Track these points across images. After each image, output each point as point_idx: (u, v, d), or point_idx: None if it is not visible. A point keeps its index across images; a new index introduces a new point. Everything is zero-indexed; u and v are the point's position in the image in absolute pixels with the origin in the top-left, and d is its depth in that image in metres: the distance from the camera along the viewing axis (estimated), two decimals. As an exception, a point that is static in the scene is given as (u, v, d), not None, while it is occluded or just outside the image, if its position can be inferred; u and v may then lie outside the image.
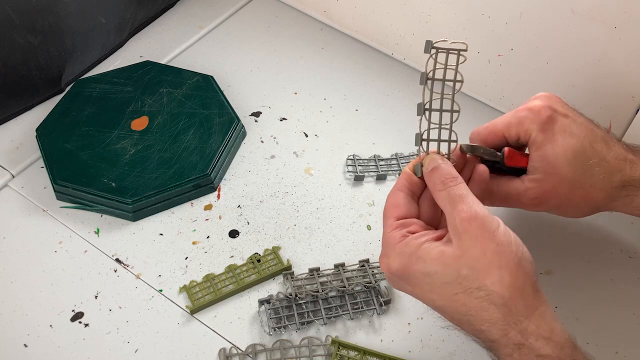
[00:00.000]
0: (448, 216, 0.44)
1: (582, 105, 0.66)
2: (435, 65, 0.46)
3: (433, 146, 0.49)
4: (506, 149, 0.52)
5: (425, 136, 0.48)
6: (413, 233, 0.45)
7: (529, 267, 0.43)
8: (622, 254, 0.61)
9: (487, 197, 0.51)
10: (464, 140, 0.55)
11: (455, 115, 0.48)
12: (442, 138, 0.48)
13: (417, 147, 0.49)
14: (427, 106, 0.48)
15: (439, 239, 0.44)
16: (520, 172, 0.53)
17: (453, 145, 0.48)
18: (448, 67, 0.47)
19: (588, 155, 0.50)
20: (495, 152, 0.52)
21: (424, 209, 0.49)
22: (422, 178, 0.48)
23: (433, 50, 0.46)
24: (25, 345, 0.55)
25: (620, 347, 0.55)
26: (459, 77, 0.47)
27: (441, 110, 0.48)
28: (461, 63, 0.47)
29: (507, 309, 0.42)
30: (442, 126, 0.48)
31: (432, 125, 0.48)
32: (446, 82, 0.47)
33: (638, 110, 0.63)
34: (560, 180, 0.50)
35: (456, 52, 0.46)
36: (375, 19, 0.76)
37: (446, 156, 0.48)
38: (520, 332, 0.42)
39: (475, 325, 0.43)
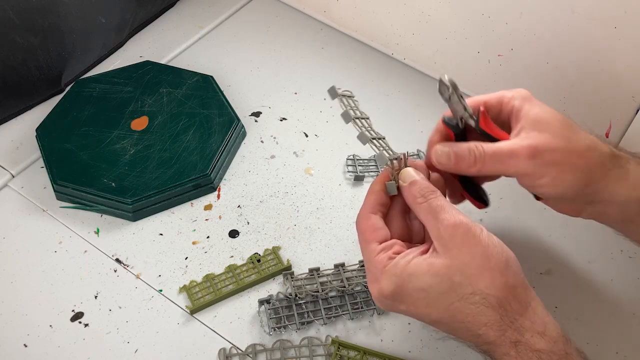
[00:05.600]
0: (431, 227, 0.44)
1: (582, 105, 0.66)
2: (347, 104, 0.50)
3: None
4: (482, 108, 0.50)
5: (387, 154, 0.49)
6: (397, 254, 0.45)
7: (516, 265, 0.44)
8: (622, 254, 0.61)
9: (478, 161, 0.48)
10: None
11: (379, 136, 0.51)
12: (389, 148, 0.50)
13: (385, 165, 0.49)
14: (371, 135, 0.50)
15: (424, 253, 0.44)
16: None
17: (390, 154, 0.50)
18: (352, 108, 0.50)
19: (574, 126, 0.48)
20: (470, 111, 0.50)
21: (394, 226, 0.48)
22: (392, 196, 0.49)
23: (338, 97, 0.49)
24: (25, 345, 0.55)
25: (620, 347, 0.55)
26: (364, 115, 0.51)
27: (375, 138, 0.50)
28: (355, 105, 0.51)
29: (503, 310, 0.42)
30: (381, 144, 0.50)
31: (379, 143, 0.50)
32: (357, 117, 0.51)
33: (638, 110, 0.63)
34: (554, 134, 0.47)
35: (349, 96, 0.50)
36: (375, 19, 0.76)
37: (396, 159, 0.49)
38: (516, 330, 0.42)
39: (473, 330, 0.43)
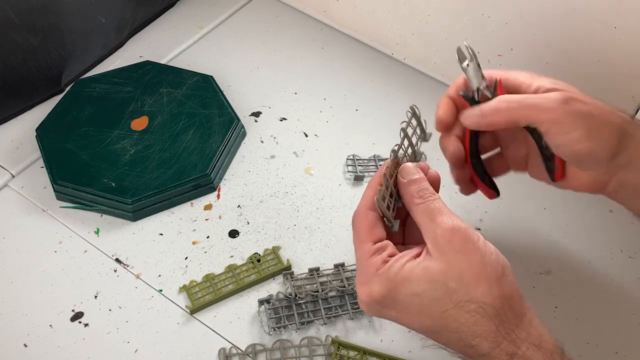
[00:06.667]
0: (427, 230, 0.43)
1: (582, 105, 0.66)
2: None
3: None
4: (498, 77, 0.49)
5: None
6: (391, 256, 0.43)
7: (511, 274, 0.43)
8: (622, 254, 0.61)
9: (509, 108, 0.47)
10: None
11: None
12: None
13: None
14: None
15: (417, 256, 0.43)
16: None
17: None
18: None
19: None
20: (487, 81, 0.50)
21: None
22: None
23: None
24: (25, 345, 0.55)
25: (620, 347, 0.55)
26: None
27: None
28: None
29: (498, 320, 0.41)
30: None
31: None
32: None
33: (638, 110, 0.63)
34: (580, 92, 0.47)
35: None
36: (375, 19, 0.76)
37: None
38: (512, 341, 0.41)
39: (466, 340, 0.41)
